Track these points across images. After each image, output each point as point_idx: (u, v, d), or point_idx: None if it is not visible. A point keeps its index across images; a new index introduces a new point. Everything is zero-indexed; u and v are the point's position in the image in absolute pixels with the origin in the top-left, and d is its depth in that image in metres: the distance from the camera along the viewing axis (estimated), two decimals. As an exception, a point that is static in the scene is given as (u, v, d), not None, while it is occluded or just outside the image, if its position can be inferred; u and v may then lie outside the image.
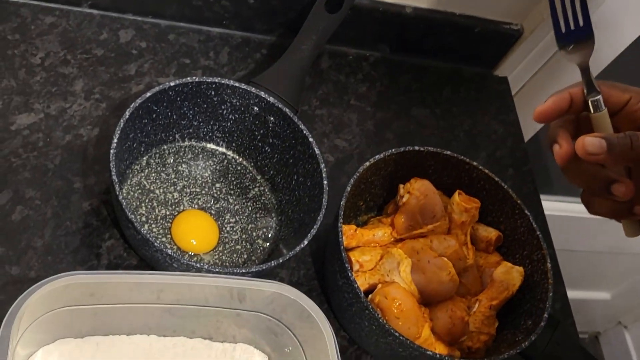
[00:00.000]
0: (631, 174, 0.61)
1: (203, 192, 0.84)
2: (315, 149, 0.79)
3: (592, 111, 0.59)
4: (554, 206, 1.45)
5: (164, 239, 0.79)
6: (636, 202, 0.59)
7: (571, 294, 1.00)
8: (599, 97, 0.58)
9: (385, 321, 0.72)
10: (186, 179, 0.84)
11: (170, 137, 0.84)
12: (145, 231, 0.69)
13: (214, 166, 0.86)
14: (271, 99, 0.81)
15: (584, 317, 1.80)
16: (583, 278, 1.71)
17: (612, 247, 1.58)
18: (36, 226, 0.76)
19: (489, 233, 0.85)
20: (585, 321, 1.85)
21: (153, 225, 0.79)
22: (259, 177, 0.87)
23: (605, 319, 1.91)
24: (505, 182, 0.86)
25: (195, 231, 0.80)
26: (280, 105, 0.81)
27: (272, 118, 0.82)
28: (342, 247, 0.74)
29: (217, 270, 0.69)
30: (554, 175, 1.47)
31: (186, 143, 0.86)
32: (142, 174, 0.82)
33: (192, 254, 0.79)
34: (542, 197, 1.06)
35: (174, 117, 0.82)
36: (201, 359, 0.72)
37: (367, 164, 0.81)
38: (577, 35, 0.61)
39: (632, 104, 0.59)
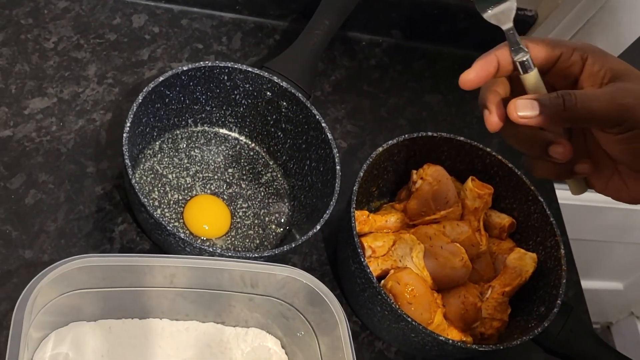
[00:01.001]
0: (571, 134, 0.59)
1: (215, 177, 0.84)
2: (328, 134, 0.79)
3: (521, 72, 0.56)
4: (567, 195, 1.44)
5: (176, 224, 0.79)
6: (577, 161, 0.57)
7: (584, 283, 0.99)
8: (527, 56, 0.55)
9: (397, 306, 0.72)
10: (199, 164, 0.84)
11: (183, 122, 0.84)
12: (158, 215, 0.69)
13: (227, 151, 0.86)
14: (284, 84, 0.81)
15: (597, 307, 1.79)
16: (596, 268, 1.70)
17: (625, 237, 1.57)
18: (49, 210, 0.76)
19: (502, 219, 0.85)
20: (598, 311, 1.85)
21: (165, 210, 0.79)
22: (271, 163, 0.87)
23: (618, 310, 1.90)
24: (519, 169, 0.86)
25: (208, 216, 0.80)
26: (293, 91, 0.81)
27: (284, 103, 0.82)
28: (354, 233, 0.74)
29: (229, 254, 0.69)
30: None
31: (199, 128, 0.85)
32: (155, 159, 0.82)
33: (205, 238, 0.79)
34: (555, 185, 1.06)
35: (187, 102, 0.81)
36: (213, 343, 0.72)
37: (380, 149, 0.80)
38: None
39: (563, 60, 0.56)
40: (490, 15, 0.57)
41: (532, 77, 0.56)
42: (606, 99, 0.52)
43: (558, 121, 0.54)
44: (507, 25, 0.56)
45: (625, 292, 1.84)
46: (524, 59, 0.55)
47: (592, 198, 1.42)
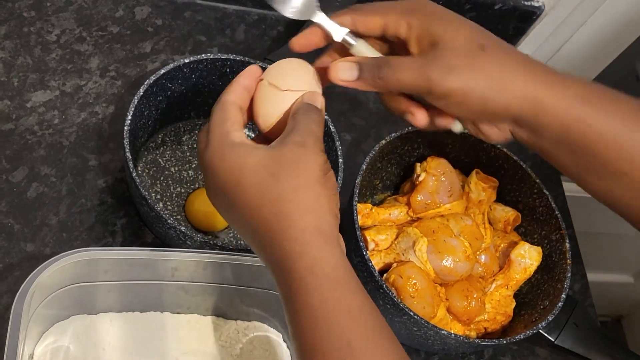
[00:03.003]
0: None
1: (218, 170, 0.83)
2: (330, 126, 0.78)
3: (349, 48, 0.55)
4: (576, 187, 1.43)
5: (178, 217, 0.79)
6: (437, 114, 0.56)
7: (594, 276, 0.98)
8: (344, 34, 0.55)
9: (400, 300, 0.71)
10: (201, 157, 0.83)
11: (186, 115, 0.84)
12: (159, 208, 0.68)
13: (230, 144, 0.85)
14: (287, 76, 0.80)
15: (607, 300, 1.78)
16: (606, 261, 1.69)
17: (635, 229, 1.56)
18: (51, 203, 0.76)
19: (507, 213, 0.84)
20: (608, 304, 1.84)
21: (168, 203, 0.79)
22: (274, 156, 0.86)
23: (628, 303, 1.89)
24: (525, 162, 0.85)
25: (209, 209, 0.80)
26: (295, 83, 0.80)
27: (287, 95, 0.81)
28: (357, 226, 0.73)
29: (231, 247, 0.69)
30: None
31: (201, 120, 0.85)
32: (157, 152, 0.82)
33: (206, 232, 0.79)
34: (565, 177, 1.05)
35: (189, 94, 0.81)
36: (215, 336, 0.72)
37: (383, 142, 0.80)
38: None
39: (390, 27, 0.55)
40: (292, 13, 0.56)
41: (359, 49, 0.55)
42: (414, 72, 0.52)
43: (375, 88, 0.54)
44: (316, 17, 0.55)
45: (635, 285, 1.83)
46: (344, 37, 0.55)
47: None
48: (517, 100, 0.53)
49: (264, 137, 0.54)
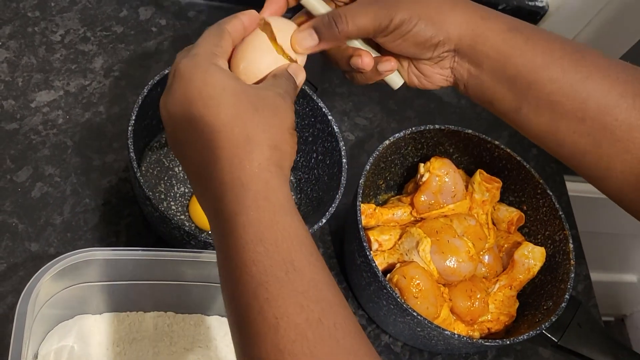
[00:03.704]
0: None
1: (222, 170, 0.83)
2: (334, 127, 0.79)
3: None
4: (580, 187, 1.43)
5: (182, 217, 0.79)
6: (379, 60, 0.61)
7: (597, 276, 0.98)
8: None
9: (403, 301, 0.71)
10: (205, 157, 0.83)
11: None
12: (163, 208, 0.69)
13: (233, 144, 0.85)
14: (290, 77, 0.80)
15: (610, 300, 1.78)
16: (609, 260, 1.69)
17: (639, 230, 1.56)
18: (55, 203, 0.76)
19: (511, 213, 0.84)
20: (611, 304, 1.84)
21: (172, 203, 0.79)
22: (278, 156, 0.86)
23: (632, 302, 1.89)
24: (528, 162, 0.85)
25: None
26: (299, 83, 0.80)
27: (291, 96, 0.81)
28: (360, 226, 0.73)
29: (234, 248, 0.69)
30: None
31: (205, 121, 0.85)
32: (161, 152, 0.82)
33: (210, 232, 0.79)
34: (568, 178, 1.04)
35: (193, 94, 0.81)
36: (218, 336, 0.72)
37: (387, 142, 0.80)
38: None
39: None
40: None
41: (308, 3, 0.59)
42: (368, 16, 0.57)
43: (338, 42, 0.59)
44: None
45: (639, 285, 1.83)
46: None
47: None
48: (456, 28, 0.58)
49: None
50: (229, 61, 0.55)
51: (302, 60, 0.58)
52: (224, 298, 0.48)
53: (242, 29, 0.55)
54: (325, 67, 0.95)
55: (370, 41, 0.61)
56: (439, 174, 0.81)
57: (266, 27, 0.57)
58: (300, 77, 0.56)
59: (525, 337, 0.73)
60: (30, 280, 0.58)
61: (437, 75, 0.61)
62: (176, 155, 0.54)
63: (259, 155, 0.48)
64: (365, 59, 0.60)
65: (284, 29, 0.57)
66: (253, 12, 0.56)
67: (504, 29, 0.58)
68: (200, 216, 0.78)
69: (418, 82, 0.63)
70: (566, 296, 0.76)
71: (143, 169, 0.80)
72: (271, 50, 0.56)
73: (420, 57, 0.60)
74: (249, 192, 0.47)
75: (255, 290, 0.45)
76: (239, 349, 0.46)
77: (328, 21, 0.57)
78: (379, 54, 0.62)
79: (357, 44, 0.61)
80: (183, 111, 0.51)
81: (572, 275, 0.77)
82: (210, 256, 0.66)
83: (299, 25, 0.59)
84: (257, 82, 0.55)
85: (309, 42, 0.57)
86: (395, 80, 0.63)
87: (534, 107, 0.58)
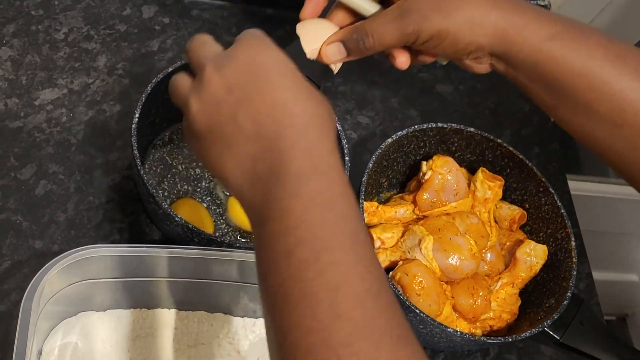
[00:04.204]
0: None
1: (225, 168, 0.84)
2: (337, 125, 0.79)
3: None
4: (582, 186, 1.43)
5: (185, 214, 0.79)
6: (419, 54, 0.63)
7: (599, 275, 0.98)
8: None
9: (406, 298, 0.71)
10: (208, 155, 0.84)
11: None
12: (166, 206, 0.69)
13: (236, 142, 0.86)
14: (293, 75, 0.81)
15: (612, 299, 1.78)
16: (611, 259, 1.69)
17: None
18: (59, 200, 0.76)
19: (513, 211, 0.84)
20: (613, 303, 1.84)
21: (175, 200, 0.79)
22: (281, 154, 0.86)
23: (633, 301, 1.89)
24: (530, 160, 0.85)
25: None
26: (302, 81, 0.80)
27: (294, 94, 0.82)
28: (363, 224, 0.73)
29: (238, 245, 0.69)
30: (583, 155, 1.45)
31: (208, 119, 0.85)
32: (164, 149, 0.82)
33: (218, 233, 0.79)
34: (570, 177, 1.05)
35: (196, 92, 0.81)
36: (222, 333, 0.72)
37: (389, 140, 0.80)
38: None
39: None
40: None
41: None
42: (395, 33, 0.57)
43: (364, 55, 0.60)
44: None
45: (641, 284, 1.83)
46: None
47: (608, 190, 1.41)
48: (488, 40, 0.58)
49: None
50: None
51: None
52: (262, 267, 0.46)
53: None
54: (328, 66, 0.95)
55: None
56: (442, 172, 0.81)
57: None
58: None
59: (527, 335, 0.74)
60: (35, 277, 0.59)
61: (475, 67, 0.62)
62: (217, 125, 0.49)
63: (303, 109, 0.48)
64: (401, 58, 0.62)
65: (314, 34, 0.60)
66: None
67: (541, 37, 0.57)
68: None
69: (459, 65, 0.63)
70: (568, 294, 0.76)
71: (146, 166, 0.80)
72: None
73: (455, 58, 0.62)
74: (322, 161, 0.46)
75: (319, 253, 0.43)
76: (279, 322, 0.44)
77: (355, 37, 0.59)
78: None
79: None
80: (249, 76, 0.49)
81: (574, 273, 0.78)
82: (212, 253, 0.67)
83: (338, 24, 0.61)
84: None
85: (337, 55, 0.60)
86: (442, 60, 0.65)
87: (570, 109, 0.58)
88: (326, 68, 0.62)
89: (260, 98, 0.48)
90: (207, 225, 0.80)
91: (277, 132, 0.47)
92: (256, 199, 0.47)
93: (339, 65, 0.63)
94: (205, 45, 0.53)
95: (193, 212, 0.80)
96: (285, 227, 0.44)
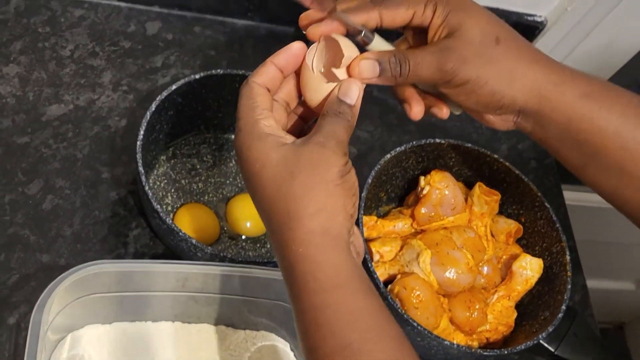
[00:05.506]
0: None
1: (227, 182, 0.86)
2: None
3: (365, 44, 0.56)
4: (580, 197, 1.44)
5: (189, 229, 0.81)
6: (433, 104, 0.61)
7: (596, 283, 1.00)
8: (364, 32, 0.56)
9: (403, 311, 0.73)
10: (211, 169, 0.86)
11: (195, 128, 0.86)
12: (170, 221, 0.71)
13: (238, 157, 0.87)
14: (294, 92, 0.82)
15: (609, 307, 1.79)
16: (608, 268, 1.70)
17: (637, 238, 1.58)
18: (66, 215, 0.78)
19: (509, 225, 0.86)
20: (610, 312, 1.85)
21: (178, 215, 0.81)
22: (282, 168, 0.88)
23: (630, 310, 1.91)
24: (527, 174, 0.87)
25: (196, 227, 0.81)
26: (303, 98, 0.82)
27: (295, 110, 0.84)
28: (362, 239, 0.75)
29: (240, 259, 0.71)
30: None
31: (211, 134, 0.87)
32: (169, 164, 0.84)
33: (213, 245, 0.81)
34: (568, 187, 1.06)
35: (199, 108, 0.83)
36: (224, 345, 0.74)
37: (388, 156, 0.82)
38: None
39: (417, 17, 0.56)
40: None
41: (375, 45, 0.57)
42: (432, 68, 0.55)
43: (393, 83, 0.57)
44: (337, 14, 0.56)
45: (638, 292, 1.85)
46: (362, 35, 0.56)
47: (602, 200, 1.43)
48: (523, 95, 0.56)
49: (310, 110, 0.56)
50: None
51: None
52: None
53: (276, 72, 0.54)
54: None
55: None
56: (439, 187, 0.83)
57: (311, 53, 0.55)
58: (353, 92, 0.53)
59: (523, 347, 0.75)
60: (44, 292, 0.60)
61: (497, 123, 0.60)
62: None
63: (300, 232, 0.48)
64: (416, 109, 0.60)
65: (320, 54, 0.55)
66: (291, 47, 0.55)
67: (576, 95, 0.56)
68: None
69: (477, 118, 0.61)
70: (563, 307, 0.78)
71: (151, 181, 0.82)
72: (320, 82, 0.54)
73: (481, 112, 0.59)
74: (298, 276, 0.48)
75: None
76: None
77: (394, 61, 0.55)
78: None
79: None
80: (248, 186, 0.52)
81: (569, 286, 0.79)
82: (215, 268, 0.68)
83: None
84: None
85: (369, 73, 0.55)
86: (456, 110, 0.62)
87: (600, 169, 0.57)
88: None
89: None
90: (212, 232, 0.81)
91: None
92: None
93: (458, 112, 0.61)
94: (244, 105, 0.54)
95: (199, 218, 0.82)
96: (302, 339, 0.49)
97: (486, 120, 0.60)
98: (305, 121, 0.58)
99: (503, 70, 0.56)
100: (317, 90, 0.54)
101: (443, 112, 0.61)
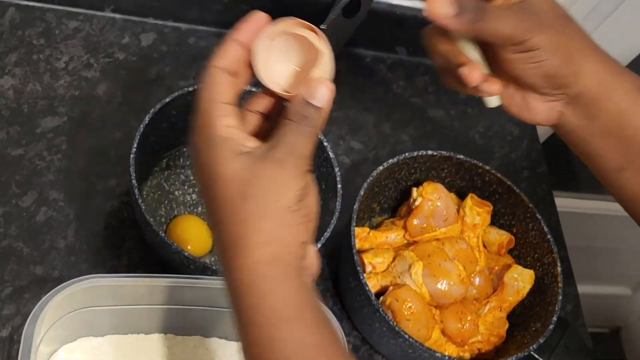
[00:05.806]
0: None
1: (221, 193, 0.86)
2: (329, 152, 0.81)
3: None
4: (574, 204, 1.45)
5: (182, 240, 0.81)
6: (485, 79, 0.58)
7: (591, 288, 1.00)
8: None
9: (395, 323, 0.74)
10: (204, 181, 0.86)
11: (189, 139, 0.86)
12: (163, 233, 0.71)
13: (232, 168, 0.88)
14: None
15: (605, 312, 1.80)
16: (604, 273, 1.71)
17: (634, 244, 1.58)
18: (59, 227, 0.78)
19: (501, 236, 0.86)
20: (606, 316, 1.86)
21: (172, 227, 0.82)
22: (275, 179, 0.89)
23: (626, 314, 1.91)
24: (520, 183, 0.87)
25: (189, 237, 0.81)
26: (296, 110, 0.83)
27: (288, 122, 0.84)
28: (354, 251, 0.76)
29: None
30: (576, 172, 1.47)
31: (205, 146, 0.88)
32: (162, 176, 0.84)
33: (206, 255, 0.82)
34: (563, 194, 1.06)
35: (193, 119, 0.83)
36: (217, 357, 0.74)
37: (381, 168, 0.82)
38: None
39: None
40: None
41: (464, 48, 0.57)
42: (511, 21, 0.54)
43: (467, 30, 0.54)
44: None
45: (633, 297, 1.85)
46: None
47: (601, 207, 1.43)
48: (586, 77, 0.55)
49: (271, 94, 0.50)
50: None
51: (324, 67, 0.48)
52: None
53: (238, 49, 0.48)
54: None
55: (486, 53, 0.58)
56: (431, 199, 0.84)
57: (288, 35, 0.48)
58: (322, 94, 0.47)
59: (514, 359, 0.76)
60: (37, 305, 0.61)
61: (541, 112, 0.59)
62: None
63: (249, 259, 0.44)
64: (475, 74, 0.56)
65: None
66: (254, 18, 0.48)
67: (631, 88, 0.56)
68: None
69: (516, 111, 0.60)
70: (554, 318, 0.78)
71: (144, 193, 0.82)
72: (287, 60, 0.49)
73: (537, 89, 0.57)
74: (242, 304, 0.45)
75: None
76: None
77: (475, 7, 0.53)
78: (488, 71, 0.59)
79: (474, 54, 0.58)
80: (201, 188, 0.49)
81: (560, 297, 0.80)
82: (208, 281, 0.69)
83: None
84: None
85: (445, 10, 0.52)
86: (492, 101, 0.60)
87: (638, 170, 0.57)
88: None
89: None
90: (205, 243, 0.82)
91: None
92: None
93: (496, 104, 0.59)
94: (204, 97, 0.49)
95: (192, 229, 0.82)
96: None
97: (530, 108, 0.58)
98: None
99: (573, 47, 0.55)
100: (278, 73, 0.49)
101: (493, 87, 0.57)
